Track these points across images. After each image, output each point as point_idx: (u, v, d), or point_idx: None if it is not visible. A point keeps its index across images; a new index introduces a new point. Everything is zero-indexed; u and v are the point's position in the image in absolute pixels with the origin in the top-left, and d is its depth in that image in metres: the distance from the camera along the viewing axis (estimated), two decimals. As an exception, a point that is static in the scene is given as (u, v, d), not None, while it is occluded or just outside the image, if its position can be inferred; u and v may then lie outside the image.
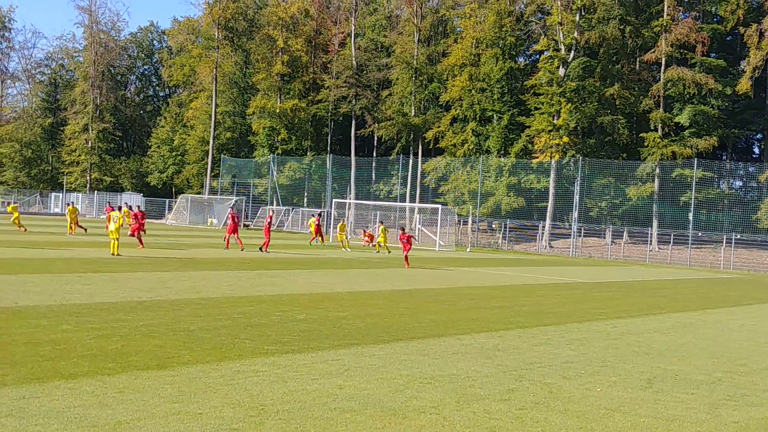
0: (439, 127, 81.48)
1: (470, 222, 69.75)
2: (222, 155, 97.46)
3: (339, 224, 54.58)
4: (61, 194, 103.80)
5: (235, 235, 42.39)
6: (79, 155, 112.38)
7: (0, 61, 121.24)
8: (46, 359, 11.54)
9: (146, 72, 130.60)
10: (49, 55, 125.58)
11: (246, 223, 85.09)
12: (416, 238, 39.68)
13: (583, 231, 68.47)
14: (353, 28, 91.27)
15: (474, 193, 75.28)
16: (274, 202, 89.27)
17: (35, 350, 12.13)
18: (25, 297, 18.09)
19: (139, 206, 52.31)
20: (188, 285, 22.77)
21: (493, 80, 77.18)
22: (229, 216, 43.41)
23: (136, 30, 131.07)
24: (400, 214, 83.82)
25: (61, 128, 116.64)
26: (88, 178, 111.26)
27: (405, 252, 36.77)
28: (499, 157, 75.78)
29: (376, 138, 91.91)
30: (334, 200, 73.35)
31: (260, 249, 40.88)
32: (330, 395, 10.41)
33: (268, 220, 44.42)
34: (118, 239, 32.19)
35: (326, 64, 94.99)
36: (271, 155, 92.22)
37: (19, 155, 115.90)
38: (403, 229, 40.92)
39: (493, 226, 76.93)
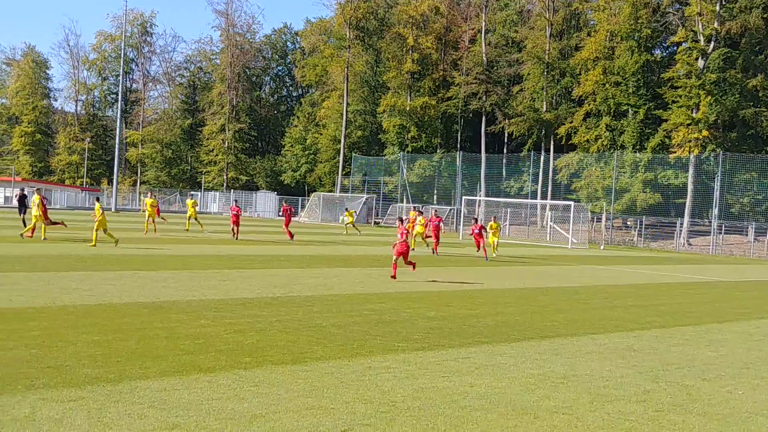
0: (571, 122, 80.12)
1: (604, 219, 68.28)
2: (353, 153, 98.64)
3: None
4: (199, 193, 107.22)
5: (286, 228, 44.56)
6: (216, 155, 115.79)
7: (142, 65, 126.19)
8: (185, 353, 11.92)
9: (280, 73, 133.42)
10: (188, 58, 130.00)
11: (376, 220, 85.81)
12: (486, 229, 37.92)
13: (723, 228, 65.98)
14: (484, 24, 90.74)
15: (608, 190, 73.67)
16: (404, 200, 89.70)
17: (175, 344, 12.55)
18: (166, 292, 18.74)
19: (285, 201, 53.48)
20: (320, 282, 23.12)
21: (628, 73, 75.30)
22: (282, 210, 45.13)
23: (271, 32, 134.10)
24: (531, 211, 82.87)
25: (199, 129, 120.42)
26: (224, 177, 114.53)
27: (481, 245, 36.55)
28: (635, 152, 73.89)
29: (506, 134, 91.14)
30: (463, 197, 73.08)
31: (433, 251, 38.80)
32: (460, 393, 10.36)
33: (436, 221, 40.47)
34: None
35: (456, 61, 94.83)
36: (401, 153, 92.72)
37: (160, 155, 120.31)
38: (476, 220, 39.97)
39: (628, 223, 75.08)
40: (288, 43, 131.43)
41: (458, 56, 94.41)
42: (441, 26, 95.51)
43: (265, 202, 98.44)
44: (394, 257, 24.97)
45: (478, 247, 36.67)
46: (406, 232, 25.37)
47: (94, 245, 31.91)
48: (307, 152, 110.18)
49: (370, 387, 10.40)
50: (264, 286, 20.96)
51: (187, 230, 46.14)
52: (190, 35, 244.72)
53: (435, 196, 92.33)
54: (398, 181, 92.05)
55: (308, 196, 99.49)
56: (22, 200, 40.48)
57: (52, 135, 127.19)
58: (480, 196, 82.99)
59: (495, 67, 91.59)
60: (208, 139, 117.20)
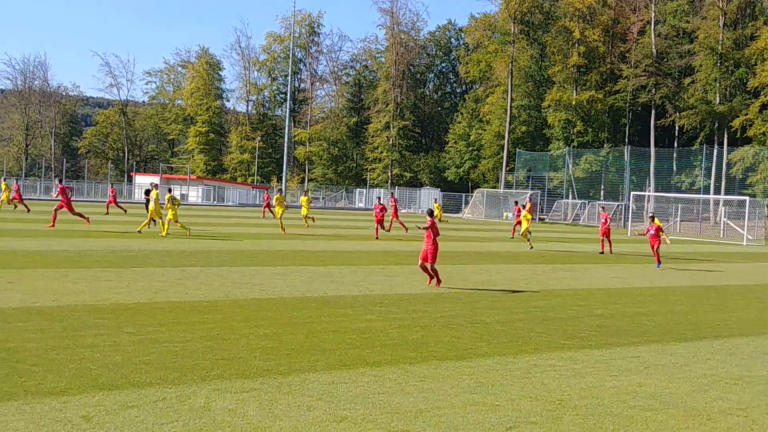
0: (746, 114, 76.50)
1: (782, 215, 64.78)
2: (517, 149, 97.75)
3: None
4: (364, 190, 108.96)
5: (378, 224, 42.18)
6: (381, 152, 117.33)
7: (310, 65, 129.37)
8: (352, 347, 12.11)
9: (444, 69, 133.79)
10: (354, 57, 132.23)
11: (541, 216, 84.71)
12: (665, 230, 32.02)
13: None
14: (653, 15, 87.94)
15: (788, 184, 69.89)
16: (570, 196, 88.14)
17: (342, 338, 12.78)
18: (333, 287, 19.13)
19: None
20: (485, 278, 23.01)
21: (809, 62, 71.21)
22: (375, 206, 44.14)
23: (435, 29, 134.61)
24: (703, 207, 79.68)
25: (365, 126, 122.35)
26: (389, 174, 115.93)
27: (655, 247, 30.94)
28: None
29: (677, 128, 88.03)
30: (632, 193, 71.04)
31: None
32: (629, 393, 10.06)
33: (603, 218, 37.82)
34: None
35: (624, 54, 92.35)
36: (567, 148, 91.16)
37: (326, 153, 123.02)
38: (652, 218, 36.87)
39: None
40: (452, 39, 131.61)
41: (626, 48, 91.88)
42: (608, 18, 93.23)
43: (429, 198, 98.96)
44: (419, 261, 20.40)
45: (653, 249, 30.56)
46: (431, 236, 19.83)
47: (166, 234, 33.37)
48: (470, 148, 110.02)
49: (536, 384, 10.26)
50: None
51: (307, 227, 45.34)
52: (356, 34, 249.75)
53: (602, 192, 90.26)
54: (563, 176, 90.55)
55: (471, 192, 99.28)
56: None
57: (224, 134, 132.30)
58: (649, 191, 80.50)
59: (665, 59, 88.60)
60: (373, 136, 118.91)
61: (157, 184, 39.58)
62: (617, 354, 12.55)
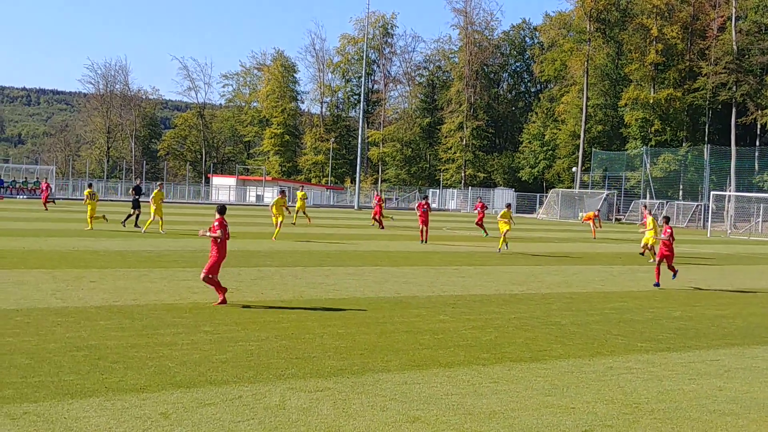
0: (832, 111, 74.15)
1: None
2: (593, 148, 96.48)
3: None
4: (437, 190, 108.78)
5: (377, 216, 43.96)
6: (455, 152, 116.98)
7: (383, 66, 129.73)
8: (425, 347, 12.12)
9: (518, 69, 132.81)
10: (427, 57, 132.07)
11: (618, 217, 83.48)
12: None
13: None
14: (734, 10, 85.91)
15: None
16: (647, 196, 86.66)
17: (415, 338, 12.79)
18: (406, 288, 19.16)
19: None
20: (559, 279, 22.79)
21: None
22: (374, 198, 43.72)
23: (509, 28, 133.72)
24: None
25: (438, 127, 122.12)
26: (462, 174, 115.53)
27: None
28: None
29: (759, 126, 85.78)
30: (712, 193, 69.49)
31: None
32: (708, 397, 9.86)
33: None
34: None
35: (704, 51, 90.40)
36: (644, 147, 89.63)
37: (400, 154, 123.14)
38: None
39: None
40: (526, 38, 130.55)
41: (706, 45, 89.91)
42: (687, 14, 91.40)
43: (503, 199, 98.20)
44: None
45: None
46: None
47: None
48: (545, 148, 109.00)
49: (612, 387, 10.13)
50: (502, 283, 20.94)
51: (294, 224, 43.98)
52: (430, 35, 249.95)
53: (680, 192, 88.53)
54: (641, 176, 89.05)
55: (546, 192, 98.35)
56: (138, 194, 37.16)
57: (299, 136, 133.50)
58: (730, 191, 78.64)
59: (746, 56, 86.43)
60: (446, 137, 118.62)
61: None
62: (696, 357, 12.31)
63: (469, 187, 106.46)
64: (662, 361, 11.85)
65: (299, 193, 45.97)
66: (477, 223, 42.23)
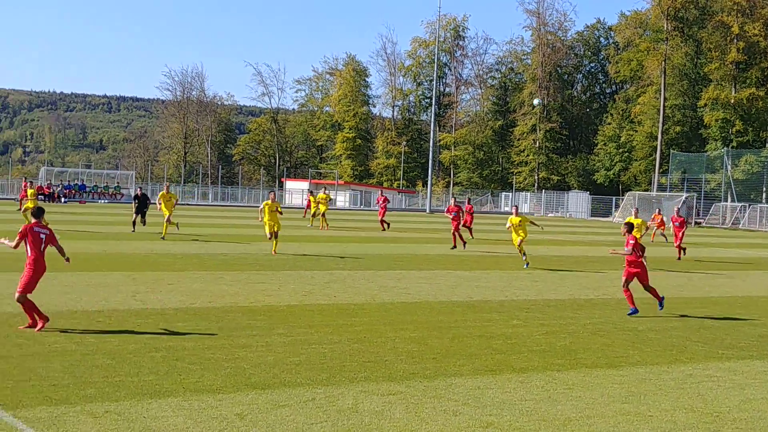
0: None
1: None
2: (671, 150, 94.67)
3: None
4: (510, 194, 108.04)
5: (381, 217, 42.19)
6: (528, 155, 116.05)
7: (455, 69, 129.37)
8: (498, 352, 12.05)
9: (592, 70, 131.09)
10: (499, 59, 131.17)
11: (698, 220, 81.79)
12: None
13: None
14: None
15: None
16: (729, 199, 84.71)
17: (488, 343, 12.72)
18: (478, 292, 19.08)
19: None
20: (635, 284, 22.40)
21: None
22: (378, 199, 42.90)
23: (583, 28, 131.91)
24: None
25: (510, 130, 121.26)
26: (535, 177, 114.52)
27: None
28: None
29: None
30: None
31: None
32: (793, 407, 9.59)
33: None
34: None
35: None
36: (725, 149, 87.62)
37: (472, 157, 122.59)
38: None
39: None
40: (601, 38, 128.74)
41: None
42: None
43: (578, 202, 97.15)
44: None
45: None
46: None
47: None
48: (620, 150, 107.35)
49: (692, 395, 9.92)
50: (576, 288, 20.70)
51: (310, 226, 43.39)
52: (501, 37, 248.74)
53: (764, 195, 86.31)
54: (721, 178, 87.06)
55: (622, 195, 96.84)
56: (143, 200, 34.99)
57: (371, 140, 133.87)
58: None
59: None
60: (519, 139, 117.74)
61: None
62: (779, 365, 12.00)
63: (543, 191, 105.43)
64: (744, 369, 11.57)
65: (321, 195, 43.37)
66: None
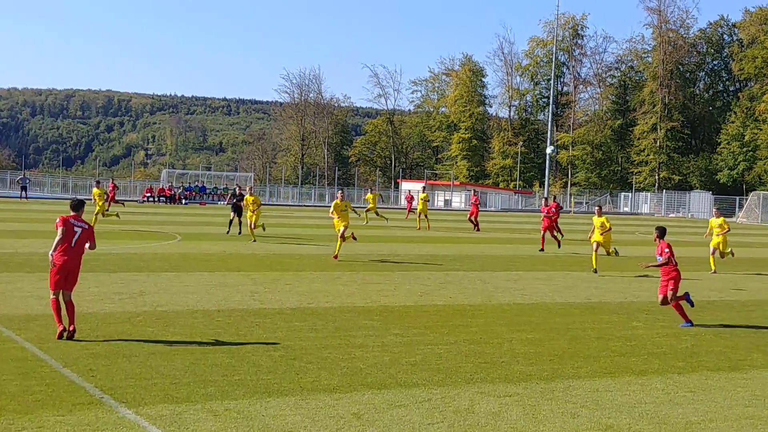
0: None
1: None
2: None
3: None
4: (630, 194, 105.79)
5: (473, 216, 41.52)
6: (648, 155, 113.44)
7: (573, 68, 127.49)
8: (617, 354, 11.84)
9: (715, 67, 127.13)
10: (619, 58, 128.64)
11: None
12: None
13: None
14: None
15: None
16: None
17: (606, 345, 12.52)
18: (597, 293, 18.81)
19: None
20: (760, 285, 21.68)
21: None
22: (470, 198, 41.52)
23: (706, 26, 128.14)
24: None
25: (630, 129, 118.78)
26: (656, 177, 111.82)
27: None
28: None
29: None
30: None
31: None
32: None
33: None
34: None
35: None
36: None
37: (590, 157, 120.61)
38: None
39: None
40: (724, 35, 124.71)
41: None
42: None
43: (700, 202, 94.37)
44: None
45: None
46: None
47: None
48: (744, 149, 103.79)
49: (821, 403, 9.52)
50: (698, 290, 20.08)
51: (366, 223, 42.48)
52: (621, 35, 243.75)
53: None
54: None
55: (746, 195, 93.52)
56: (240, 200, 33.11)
57: (487, 140, 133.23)
58: None
59: None
60: (638, 138, 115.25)
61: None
62: None
63: (663, 191, 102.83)
64: None
65: (370, 195, 44.14)
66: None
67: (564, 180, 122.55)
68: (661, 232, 14.93)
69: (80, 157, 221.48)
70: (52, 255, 11.42)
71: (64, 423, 7.63)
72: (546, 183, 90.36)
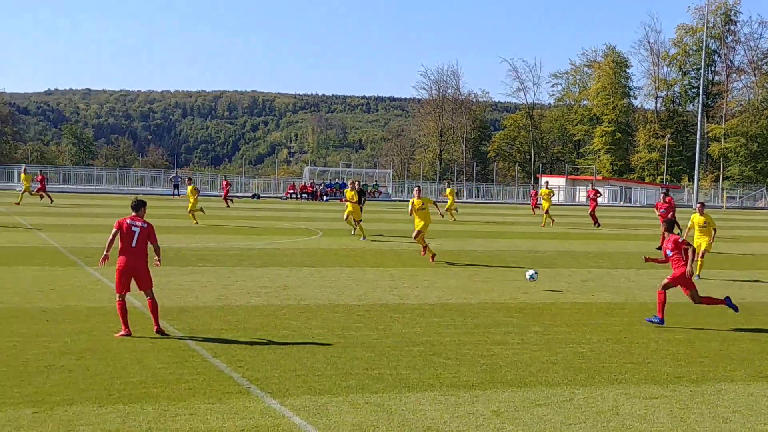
0: None
1: None
2: None
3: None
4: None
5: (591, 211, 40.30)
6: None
7: (725, 56, 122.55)
8: (772, 356, 11.25)
9: None
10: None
11: None
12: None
13: None
14: None
15: None
16: None
17: (763, 347, 11.98)
18: (751, 293, 18.02)
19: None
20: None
21: None
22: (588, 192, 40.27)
23: None
24: None
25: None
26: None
27: None
28: None
29: None
30: None
31: None
32: None
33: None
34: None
35: None
36: None
37: (744, 149, 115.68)
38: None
39: None
40: None
41: None
42: None
43: None
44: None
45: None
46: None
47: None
48: None
49: None
50: None
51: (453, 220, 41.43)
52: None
53: None
54: None
55: None
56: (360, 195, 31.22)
57: (631, 133, 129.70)
58: None
59: None
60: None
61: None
62: None
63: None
64: None
65: (543, 191, 42.48)
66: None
67: (715, 174, 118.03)
68: (669, 225, 14.14)
69: (228, 155, 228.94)
70: (105, 253, 11.62)
71: (214, 411, 7.88)
72: (696, 177, 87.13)
